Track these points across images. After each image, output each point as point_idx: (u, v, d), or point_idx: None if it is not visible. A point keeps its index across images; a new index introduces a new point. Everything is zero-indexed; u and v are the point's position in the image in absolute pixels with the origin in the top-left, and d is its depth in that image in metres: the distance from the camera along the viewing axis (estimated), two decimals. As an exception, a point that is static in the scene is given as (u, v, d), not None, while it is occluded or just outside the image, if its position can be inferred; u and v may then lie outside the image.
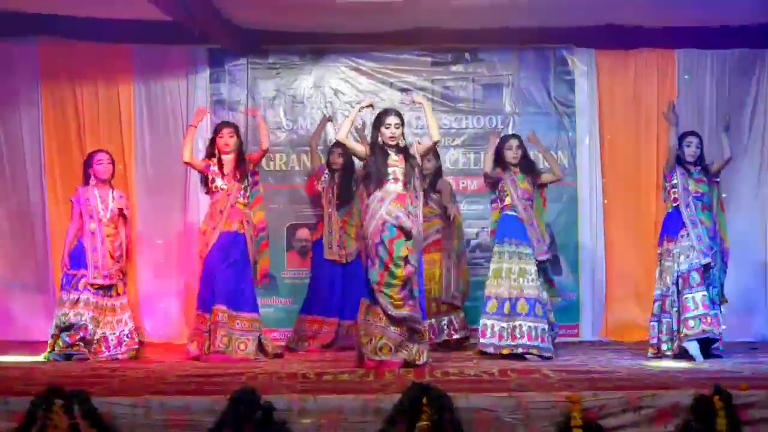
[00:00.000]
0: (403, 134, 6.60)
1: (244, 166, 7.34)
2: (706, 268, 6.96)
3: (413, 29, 8.69)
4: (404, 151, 6.57)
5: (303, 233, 8.62)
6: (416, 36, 8.81)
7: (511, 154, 7.33)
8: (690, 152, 7.16)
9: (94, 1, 7.92)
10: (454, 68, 9.03)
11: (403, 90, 8.96)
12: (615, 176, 8.91)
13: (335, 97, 8.99)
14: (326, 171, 8.21)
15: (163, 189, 8.82)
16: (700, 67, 8.92)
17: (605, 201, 8.90)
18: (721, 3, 8.04)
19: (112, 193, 7.54)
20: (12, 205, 8.79)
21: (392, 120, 6.51)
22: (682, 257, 6.97)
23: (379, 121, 6.57)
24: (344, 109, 8.91)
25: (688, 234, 7.00)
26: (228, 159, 7.33)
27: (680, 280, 6.94)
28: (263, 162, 8.32)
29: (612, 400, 4.54)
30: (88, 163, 7.52)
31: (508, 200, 7.29)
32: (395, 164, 6.49)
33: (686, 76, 8.92)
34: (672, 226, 7.13)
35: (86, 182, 7.49)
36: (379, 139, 6.54)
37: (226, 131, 7.37)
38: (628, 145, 8.93)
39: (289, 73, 8.98)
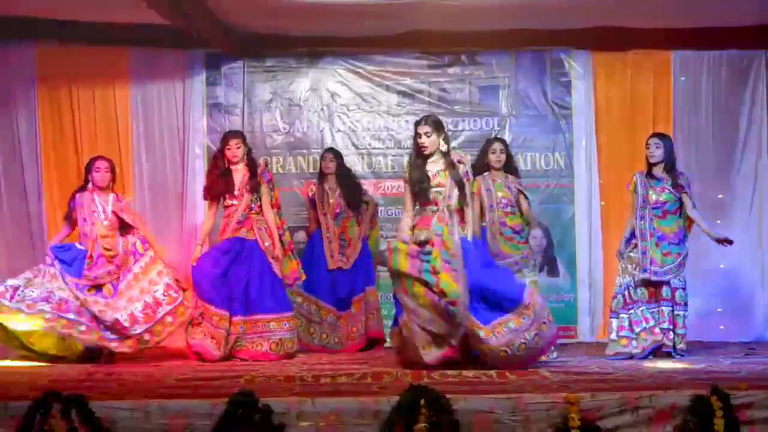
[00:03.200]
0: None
1: (255, 179, 7.37)
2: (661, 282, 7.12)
3: (410, 32, 8.72)
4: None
5: (301, 236, 8.59)
6: (413, 39, 8.83)
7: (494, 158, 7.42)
8: (649, 153, 7.26)
9: (91, 5, 7.89)
10: (450, 71, 9.06)
11: (400, 93, 8.99)
12: (612, 178, 8.86)
13: (332, 99, 9.03)
14: (311, 193, 8.29)
15: (161, 191, 8.85)
16: (697, 68, 8.94)
17: (602, 202, 8.90)
18: (717, 4, 8.02)
19: (111, 198, 7.34)
20: (8, 209, 8.74)
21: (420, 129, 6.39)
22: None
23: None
24: (341, 111, 8.99)
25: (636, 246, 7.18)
26: (238, 169, 7.37)
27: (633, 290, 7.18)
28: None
29: (610, 401, 4.53)
30: (88, 168, 7.36)
31: None
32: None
33: (682, 78, 8.94)
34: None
35: (84, 187, 7.32)
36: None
37: (233, 142, 7.37)
38: (624, 147, 8.90)
39: (285, 76, 9.02)
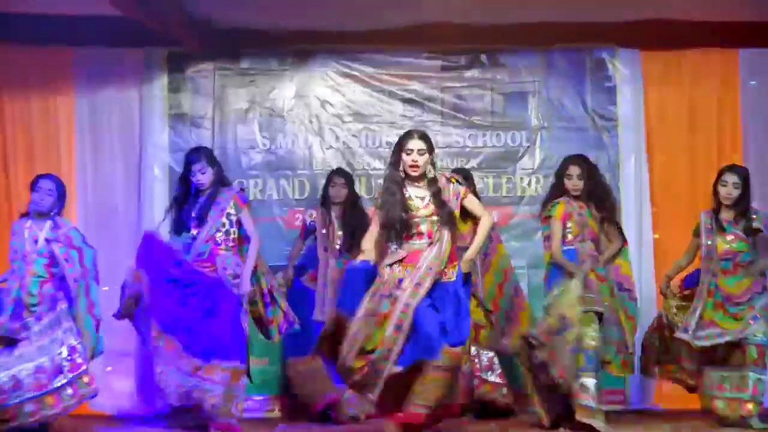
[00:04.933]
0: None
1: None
2: None
3: (418, 26, 8.07)
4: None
5: (281, 277, 7.46)
6: (422, 34, 8.15)
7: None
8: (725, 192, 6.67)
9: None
10: (468, 74, 8.30)
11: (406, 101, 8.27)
12: (667, 205, 8.13)
13: (322, 109, 8.23)
14: (311, 219, 7.47)
15: (111, 219, 8.08)
16: (769, 70, 8.35)
17: (656, 235, 8.08)
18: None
19: (47, 225, 6.45)
20: None
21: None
22: None
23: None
24: (332, 123, 8.30)
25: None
26: (203, 197, 6.57)
27: None
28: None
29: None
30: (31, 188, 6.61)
31: None
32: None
33: (752, 82, 8.20)
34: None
35: (27, 213, 6.54)
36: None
37: (196, 167, 6.54)
38: (682, 167, 8.18)
39: (265, 80, 8.27)
